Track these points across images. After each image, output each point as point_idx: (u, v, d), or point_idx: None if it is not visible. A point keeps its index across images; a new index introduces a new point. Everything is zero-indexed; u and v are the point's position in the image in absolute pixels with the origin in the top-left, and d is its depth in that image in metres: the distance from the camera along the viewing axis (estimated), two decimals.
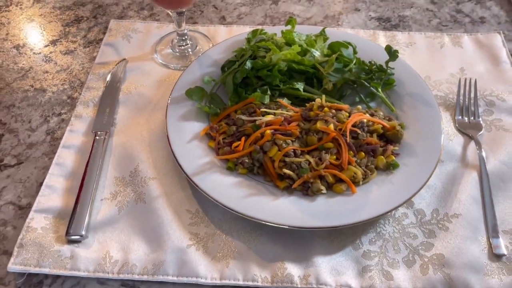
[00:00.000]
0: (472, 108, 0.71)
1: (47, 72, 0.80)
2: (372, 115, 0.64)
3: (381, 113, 0.66)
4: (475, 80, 0.74)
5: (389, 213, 0.57)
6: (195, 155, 0.62)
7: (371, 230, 0.57)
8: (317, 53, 0.72)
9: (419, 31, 0.87)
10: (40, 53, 0.84)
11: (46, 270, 0.53)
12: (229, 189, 0.58)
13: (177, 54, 0.83)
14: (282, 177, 0.59)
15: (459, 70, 0.78)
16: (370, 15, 0.92)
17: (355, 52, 0.73)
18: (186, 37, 0.82)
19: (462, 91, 0.73)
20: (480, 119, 0.70)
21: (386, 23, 0.90)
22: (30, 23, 0.92)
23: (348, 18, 0.91)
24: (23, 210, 0.61)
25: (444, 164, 0.64)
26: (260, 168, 0.60)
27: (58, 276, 0.54)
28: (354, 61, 0.71)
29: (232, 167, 0.60)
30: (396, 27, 0.89)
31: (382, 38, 0.85)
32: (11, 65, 0.82)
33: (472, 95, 0.72)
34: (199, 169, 0.59)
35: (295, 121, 0.62)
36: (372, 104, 0.71)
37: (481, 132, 0.68)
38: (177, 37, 0.82)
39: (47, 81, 0.79)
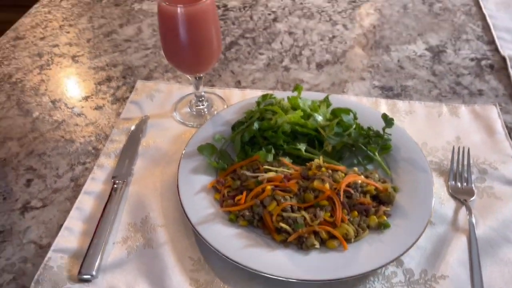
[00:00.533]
0: (465, 175, 0.75)
1: (77, 125, 0.90)
2: (367, 177, 0.69)
3: (376, 176, 0.71)
4: (468, 149, 0.79)
5: (378, 270, 0.60)
6: (201, 206, 0.67)
7: (360, 286, 0.60)
8: (319, 118, 0.79)
9: (420, 100, 0.93)
10: (73, 107, 0.94)
11: None
12: (230, 239, 0.62)
13: (194, 113, 0.91)
14: (279, 231, 0.63)
15: (455, 138, 0.83)
16: (374, 84, 0.99)
17: (355, 118, 0.79)
18: (202, 98, 0.91)
19: (456, 158, 0.78)
20: (473, 185, 0.74)
21: (389, 92, 0.97)
22: (67, 80, 1.03)
23: (353, 86, 0.99)
24: (43, 249, 0.67)
25: (435, 227, 0.67)
26: (259, 221, 0.65)
27: None
28: (353, 126, 0.77)
29: (233, 219, 0.65)
30: (398, 96, 0.96)
31: (384, 106, 0.91)
32: (47, 117, 0.92)
33: (466, 162, 0.77)
34: (204, 219, 0.65)
35: (294, 178, 0.67)
36: (369, 167, 0.76)
37: (472, 198, 0.71)
38: (195, 98, 0.91)
39: (76, 133, 0.88)
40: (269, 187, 0.65)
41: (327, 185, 0.64)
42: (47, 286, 0.60)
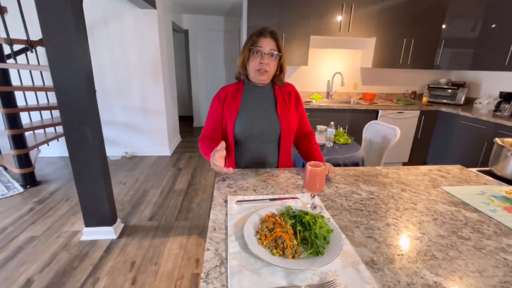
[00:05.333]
0: None
1: None
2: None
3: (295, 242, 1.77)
4: None
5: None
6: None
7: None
8: (317, 231, 1.87)
9: None
10: None
11: None
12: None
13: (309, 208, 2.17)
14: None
15: None
16: None
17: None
18: (313, 204, 2.15)
19: None
20: None
21: None
22: None
23: None
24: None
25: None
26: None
27: None
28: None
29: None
30: None
31: None
32: None
33: None
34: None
35: (277, 224, 1.87)
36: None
37: None
38: (310, 203, 2.17)
39: None
40: (267, 218, 1.91)
41: (278, 230, 1.82)
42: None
